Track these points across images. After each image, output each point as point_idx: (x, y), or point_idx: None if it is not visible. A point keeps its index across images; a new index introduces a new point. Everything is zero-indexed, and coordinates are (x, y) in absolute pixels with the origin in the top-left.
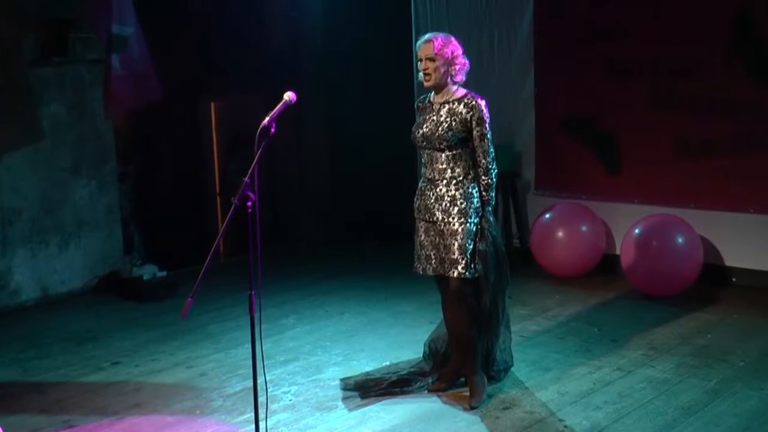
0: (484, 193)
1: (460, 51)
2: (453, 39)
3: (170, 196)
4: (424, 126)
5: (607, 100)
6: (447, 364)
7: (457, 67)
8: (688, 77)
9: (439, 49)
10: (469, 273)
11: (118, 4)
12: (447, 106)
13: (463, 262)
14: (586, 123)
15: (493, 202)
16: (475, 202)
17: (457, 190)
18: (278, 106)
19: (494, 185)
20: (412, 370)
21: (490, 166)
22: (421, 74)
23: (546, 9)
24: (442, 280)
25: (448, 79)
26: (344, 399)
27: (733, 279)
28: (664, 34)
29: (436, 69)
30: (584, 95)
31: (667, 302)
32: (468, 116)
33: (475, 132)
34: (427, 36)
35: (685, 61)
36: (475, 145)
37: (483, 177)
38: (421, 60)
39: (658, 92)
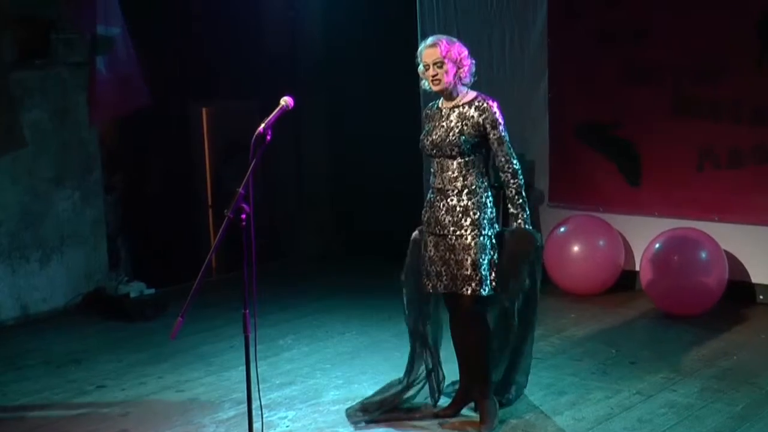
0: (516, 197)
1: (465, 51)
2: (455, 39)
3: (159, 208)
4: (434, 133)
5: (626, 106)
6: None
7: (466, 68)
8: (713, 81)
9: (447, 52)
10: (485, 290)
11: (103, 2)
12: (457, 111)
13: (477, 278)
14: (603, 130)
15: (527, 203)
16: (489, 213)
17: (469, 200)
18: (274, 112)
19: (524, 186)
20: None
21: (516, 168)
22: (424, 82)
23: (561, 8)
24: (451, 299)
25: (458, 82)
26: (345, 425)
27: (760, 297)
28: (688, 34)
29: (446, 72)
30: (602, 100)
31: (689, 322)
32: (480, 119)
33: (492, 136)
34: (429, 40)
35: (710, 63)
36: (494, 149)
37: (512, 181)
38: (427, 66)
39: (681, 97)
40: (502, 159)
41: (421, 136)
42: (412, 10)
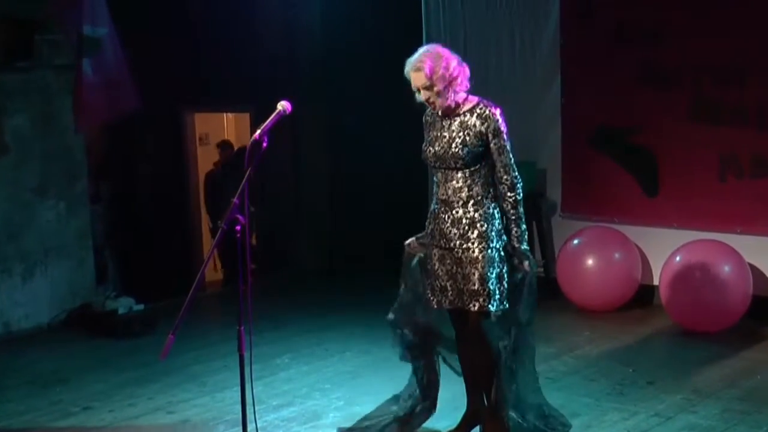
0: (512, 211)
1: (454, 61)
2: (440, 50)
3: (149, 218)
4: (436, 144)
5: (643, 111)
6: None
7: (458, 79)
8: (736, 83)
9: (432, 73)
10: (493, 306)
11: (90, 2)
12: (458, 119)
13: (485, 293)
14: (619, 137)
15: (524, 218)
16: (497, 224)
17: (476, 211)
18: (271, 118)
19: (522, 201)
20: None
21: (515, 181)
22: (417, 96)
23: (574, 7)
24: (458, 315)
25: (453, 94)
26: None
27: None
28: (709, 34)
29: (438, 94)
30: (617, 105)
31: (711, 339)
32: (483, 128)
33: (492, 145)
34: (414, 61)
35: (732, 65)
36: (494, 158)
37: (509, 193)
38: (417, 90)
39: (701, 101)
40: (501, 170)
41: (423, 146)
42: (416, 9)
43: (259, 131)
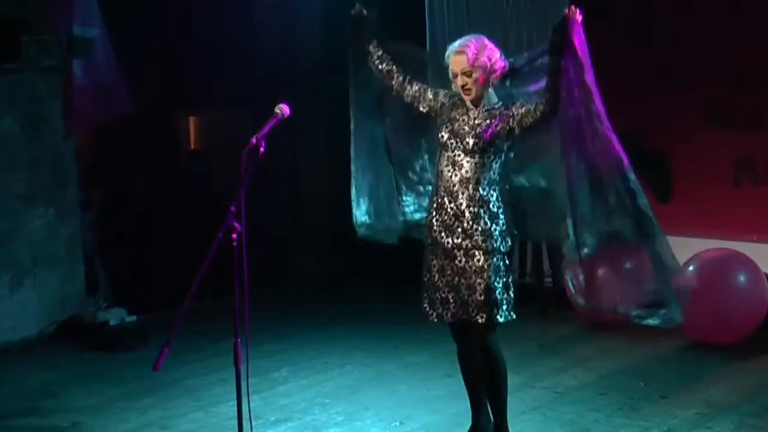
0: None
1: (497, 53)
2: (486, 41)
3: (141, 226)
4: (455, 123)
5: (656, 114)
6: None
7: (497, 73)
8: (752, 88)
9: (474, 60)
10: (501, 317)
11: (80, 1)
12: (486, 108)
13: (493, 303)
14: (631, 141)
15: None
16: (501, 225)
17: (480, 207)
18: (269, 122)
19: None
20: None
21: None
22: (457, 83)
23: (584, 6)
24: (460, 328)
25: (490, 86)
26: None
27: None
28: (725, 36)
29: (475, 81)
30: (629, 108)
31: (725, 352)
32: (508, 106)
33: (521, 102)
34: (457, 44)
35: (749, 68)
36: (527, 104)
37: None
38: (455, 74)
39: (717, 105)
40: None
41: (438, 122)
42: (418, 9)
43: (256, 136)
